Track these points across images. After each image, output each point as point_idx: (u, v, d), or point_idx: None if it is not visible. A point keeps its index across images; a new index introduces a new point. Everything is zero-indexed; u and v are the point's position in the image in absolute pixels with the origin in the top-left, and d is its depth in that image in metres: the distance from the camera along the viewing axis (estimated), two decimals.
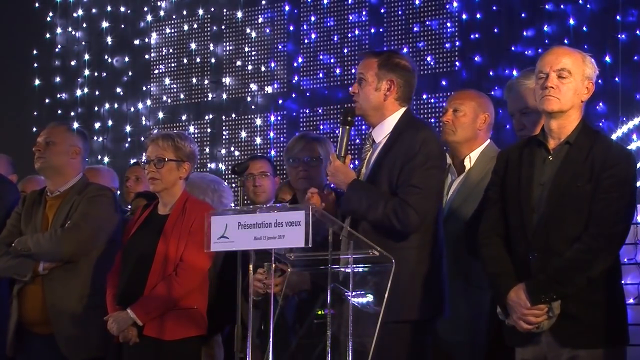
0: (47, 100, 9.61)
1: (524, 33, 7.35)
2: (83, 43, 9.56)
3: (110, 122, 9.31)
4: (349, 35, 8.19)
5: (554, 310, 3.82)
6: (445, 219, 4.61)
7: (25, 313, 5.19)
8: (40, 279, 5.16)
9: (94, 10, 9.54)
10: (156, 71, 9.18)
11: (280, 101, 8.48)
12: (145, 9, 9.28)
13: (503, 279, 3.93)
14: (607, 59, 6.77)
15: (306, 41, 8.41)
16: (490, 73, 7.46)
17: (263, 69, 8.60)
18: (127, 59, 9.33)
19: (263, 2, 8.66)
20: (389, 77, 4.31)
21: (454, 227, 4.63)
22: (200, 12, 8.98)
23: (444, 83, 7.64)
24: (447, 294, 4.29)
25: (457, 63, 7.68)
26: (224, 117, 8.78)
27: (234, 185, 7.77)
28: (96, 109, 9.40)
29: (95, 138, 9.20)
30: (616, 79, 6.80)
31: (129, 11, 9.37)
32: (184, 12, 9.07)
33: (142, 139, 8.72)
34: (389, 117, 4.34)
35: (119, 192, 6.96)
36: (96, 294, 5.06)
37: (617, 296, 3.93)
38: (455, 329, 4.68)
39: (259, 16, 8.69)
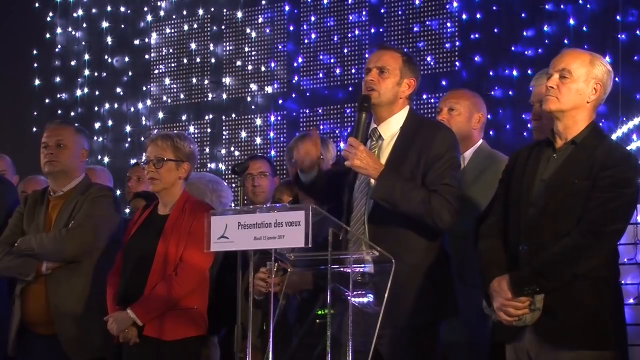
0: (47, 100, 9.60)
1: (524, 33, 7.35)
2: (83, 43, 9.55)
3: (110, 122, 9.30)
4: (349, 35, 8.19)
5: (537, 303, 3.81)
6: None
7: (27, 313, 5.19)
8: (43, 279, 5.17)
9: (94, 10, 9.53)
10: (156, 71, 9.17)
11: (280, 101, 8.48)
12: (145, 9, 9.28)
13: (490, 268, 3.94)
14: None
15: (306, 41, 8.41)
16: (490, 73, 7.45)
17: (263, 69, 8.60)
18: (127, 59, 9.33)
19: (263, 2, 8.65)
20: (410, 76, 4.35)
21: None
22: (200, 12, 8.97)
23: (444, 83, 7.64)
24: (455, 297, 4.30)
25: (457, 63, 7.67)
26: (224, 117, 8.78)
27: (233, 185, 7.77)
28: (96, 109, 9.39)
29: (95, 138, 9.20)
30: (616, 79, 6.75)
31: (129, 11, 9.36)
32: (184, 12, 9.07)
33: (142, 139, 8.71)
34: (396, 113, 4.35)
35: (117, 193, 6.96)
36: (98, 294, 5.06)
37: (610, 298, 3.89)
38: (451, 329, 4.68)
39: (259, 16, 8.68)
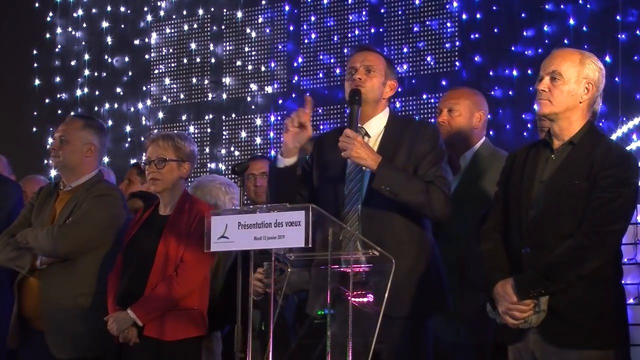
0: (47, 100, 9.60)
1: (524, 33, 7.35)
2: (83, 43, 9.55)
3: (110, 122, 9.30)
4: (349, 35, 8.18)
5: (542, 305, 3.81)
6: None
7: (24, 306, 5.17)
8: (38, 273, 5.15)
9: (94, 10, 9.53)
10: (156, 71, 9.18)
11: (280, 101, 8.48)
12: (145, 9, 9.28)
13: (494, 272, 3.95)
14: (607, 59, 6.76)
15: (306, 41, 8.41)
16: (490, 73, 7.45)
17: (263, 69, 8.60)
18: (127, 59, 9.33)
19: (263, 2, 8.65)
20: (392, 78, 4.44)
21: (450, 227, 4.63)
22: (200, 12, 8.97)
23: (444, 83, 7.64)
24: (446, 288, 4.33)
25: (457, 63, 7.67)
26: (224, 117, 8.78)
27: None
28: (96, 109, 9.39)
29: None
30: (616, 79, 6.79)
31: (129, 11, 9.37)
32: (184, 12, 9.07)
33: (142, 139, 8.72)
34: (379, 113, 4.41)
35: None
36: (92, 293, 5.07)
37: (613, 297, 3.90)
38: (456, 332, 4.69)
39: (259, 16, 8.68)
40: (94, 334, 5.01)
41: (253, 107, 8.62)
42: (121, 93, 9.32)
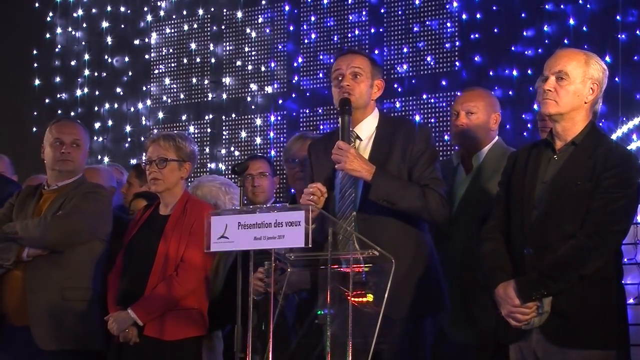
0: (47, 100, 9.61)
1: (524, 33, 7.35)
2: (83, 43, 9.55)
3: (110, 122, 9.30)
4: (349, 35, 8.18)
5: (545, 306, 3.81)
6: (455, 217, 4.63)
7: (4, 301, 5.13)
8: (22, 266, 5.10)
9: (94, 10, 9.53)
10: (156, 71, 9.17)
11: (280, 101, 8.48)
12: (145, 9, 9.28)
13: (495, 273, 3.95)
14: (607, 59, 6.75)
15: (306, 41, 8.41)
16: (490, 73, 7.45)
17: (263, 69, 8.60)
18: (127, 59, 9.33)
19: (263, 2, 8.65)
20: (379, 77, 4.46)
21: (463, 226, 4.63)
22: (200, 12, 8.97)
23: (444, 83, 7.64)
24: (444, 288, 4.33)
25: (457, 63, 7.67)
26: (224, 117, 8.78)
27: None
28: (96, 109, 9.40)
29: (95, 138, 9.20)
30: (616, 79, 6.78)
31: (129, 11, 9.37)
32: (184, 12, 9.07)
33: (142, 139, 8.72)
34: (369, 115, 4.44)
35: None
36: (79, 287, 5.04)
37: (614, 297, 3.91)
38: (461, 331, 4.68)
39: (259, 16, 8.68)
40: (79, 327, 4.99)
41: (253, 107, 8.62)
42: (121, 93, 9.32)
